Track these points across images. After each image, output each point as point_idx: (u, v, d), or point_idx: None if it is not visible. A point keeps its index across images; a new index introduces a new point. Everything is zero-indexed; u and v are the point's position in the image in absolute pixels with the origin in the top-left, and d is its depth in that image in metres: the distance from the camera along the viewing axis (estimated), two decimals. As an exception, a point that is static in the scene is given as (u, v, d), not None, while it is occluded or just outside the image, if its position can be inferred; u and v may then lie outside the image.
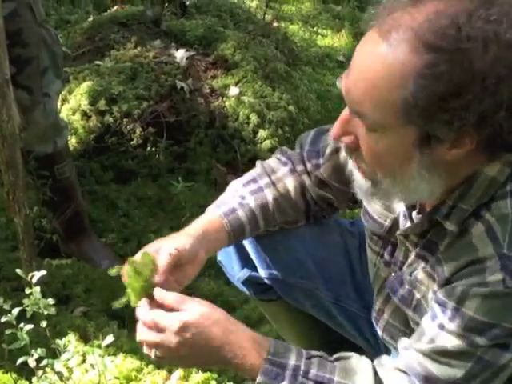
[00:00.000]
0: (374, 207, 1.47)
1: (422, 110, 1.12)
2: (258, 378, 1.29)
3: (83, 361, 1.95)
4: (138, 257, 1.41)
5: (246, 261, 1.67)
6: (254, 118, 3.10)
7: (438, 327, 1.25)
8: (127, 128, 3.07)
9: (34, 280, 1.66)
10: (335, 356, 1.35)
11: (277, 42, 3.65)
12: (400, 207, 1.41)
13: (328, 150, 1.54)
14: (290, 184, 1.56)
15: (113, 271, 1.42)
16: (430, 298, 1.32)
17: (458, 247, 1.24)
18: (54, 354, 1.71)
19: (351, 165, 1.29)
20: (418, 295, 1.36)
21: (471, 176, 1.23)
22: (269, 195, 1.54)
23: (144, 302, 1.34)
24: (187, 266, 1.41)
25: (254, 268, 1.68)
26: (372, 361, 1.36)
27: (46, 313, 1.60)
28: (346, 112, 1.22)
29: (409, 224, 1.36)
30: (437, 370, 1.26)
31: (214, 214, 1.49)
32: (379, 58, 1.13)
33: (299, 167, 1.57)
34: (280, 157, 1.60)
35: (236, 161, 3.07)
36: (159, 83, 3.14)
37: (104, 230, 2.68)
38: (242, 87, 3.19)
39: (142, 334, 1.33)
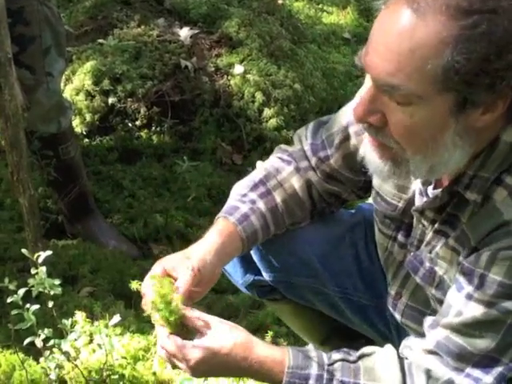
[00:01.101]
0: (386, 189, 1.45)
1: (464, 75, 1.10)
2: None
3: (90, 341, 1.94)
4: (155, 271, 1.39)
5: (248, 265, 1.65)
6: (259, 96, 3.07)
7: (466, 297, 1.24)
8: (131, 108, 3.05)
9: (40, 260, 1.65)
10: (358, 354, 1.34)
11: (281, 19, 3.60)
12: (414, 185, 1.38)
13: (337, 140, 1.51)
14: (297, 183, 1.55)
15: (134, 285, 1.42)
16: (454, 272, 1.30)
17: (482, 214, 1.23)
18: (60, 334, 1.71)
19: (367, 148, 1.26)
20: (440, 272, 1.35)
21: (490, 144, 1.21)
22: (277, 197, 1.53)
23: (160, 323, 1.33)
24: (204, 282, 1.40)
25: (257, 271, 1.67)
26: (397, 347, 1.35)
27: (52, 293, 1.59)
28: (370, 90, 1.19)
29: (425, 201, 1.34)
30: (469, 343, 1.24)
31: (228, 223, 1.47)
32: (410, 29, 1.11)
33: (303, 164, 1.56)
34: (282, 155, 1.58)
35: (241, 140, 3.05)
36: (163, 62, 3.11)
37: (110, 211, 2.67)
38: (247, 65, 3.16)
39: (162, 353, 1.35)
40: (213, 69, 3.17)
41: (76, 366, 1.79)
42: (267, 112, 3.07)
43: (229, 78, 3.14)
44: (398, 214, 1.44)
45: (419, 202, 1.38)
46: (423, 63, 1.11)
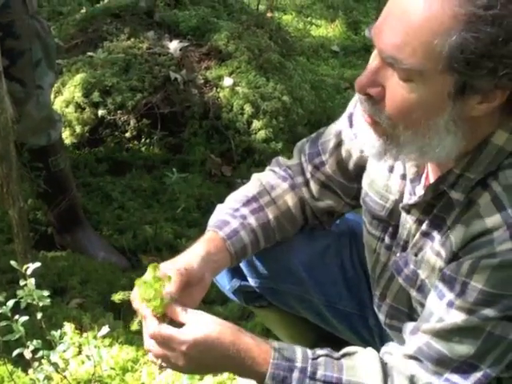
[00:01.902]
0: (374, 190, 1.47)
1: (468, 56, 1.10)
2: (266, 383, 1.30)
3: (79, 352, 1.95)
4: (145, 276, 1.39)
5: (235, 271, 1.66)
6: (248, 108, 3.10)
7: (447, 305, 1.25)
8: (121, 120, 3.07)
9: (29, 272, 1.66)
10: (341, 352, 1.35)
11: (271, 32, 3.64)
12: (403, 186, 1.40)
13: (330, 145, 1.53)
14: (290, 201, 1.57)
15: (117, 297, 1.41)
16: (435, 277, 1.31)
17: (466, 219, 1.24)
18: (49, 345, 1.72)
19: (362, 127, 1.25)
20: (422, 275, 1.36)
21: (479, 145, 1.22)
22: (270, 214, 1.54)
23: (150, 314, 1.33)
24: (194, 288, 1.41)
25: (244, 277, 1.68)
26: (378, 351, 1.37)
27: (40, 304, 1.60)
28: (374, 62, 1.19)
29: (413, 199, 1.36)
30: (448, 349, 1.26)
31: (217, 237, 1.48)
32: (424, 3, 1.10)
33: (299, 179, 1.57)
34: (278, 171, 1.60)
35: (230, 151, 3.08)
36: (153, 74, 3.14)
37: (99, 222, 2.68)
38: (236, 78, 3.18)
39: (151, 345, 1.34)
40: (202, 81, 3.20)
41: (65, 377, 1.80)
42: (256, 124, 3.10)
43: (218, 90, 3.16)
44: (385, 215, 1.46)
45: (407, 200, 1.39)
46: (431, 38, 1.10)
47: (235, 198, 1.58)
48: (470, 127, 1.20)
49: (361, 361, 1.33)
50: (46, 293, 1.50)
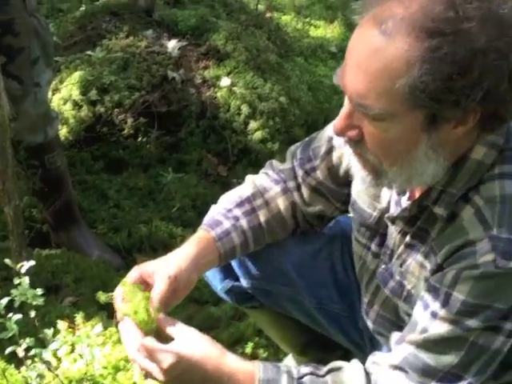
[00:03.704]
0: (363, 198, 1.49)
1: (430, 93, 1.14)
2: None
3: (72, 350, 1.96)
4: (128, 279, 1.41)
5: (228, 271, 1.68)
6: (245, 108, 3.10)
7: (431, 316, 1.27)
8: (118, 118, 3.08)
9: (23, 270, 1.67)
10: (326, 368, 1.36)
11: (269, 32, 3.64)
12: (389, 196, 1.42)
13: (322, 151, 1.55)
14: (282, 204, 1.59)
15: (101, 297, 1.42)
16: (421, 288, 1.33)
17: (450, 232, 1.26)
18: (42, 343, 1.73)
19: (352, 160, 1.30)
20: (408, 286, 1.38)
21: (459, 161, 1.25)
22: (261, 217, 1.57)
23: (134, 327, 1.34)
24: (180, 288, 1.43)
25: (236, 278, 1.70)
26: (364, 361, 1.37)
27: (34, 303, 1.61)
28: (347, 106, 1.23)
29: (397, 211, 1.38)
30: (433, 359, 1.27)
31: (208, 236, 1.51)
32: (379, 50, 1.15)
33: (291, 184, 1.59)
34: (272, 174, 1.62)
35: (227, 151, 3.08)
36: (151, 73, 3.14)
37: (94, 220, 2.68)
38: (234, 78, 3.19)
39: (135, 356, 1.35)
40: (200, 81, 3.20)
41: (57, 375, 1.80)
42: (253, 124, 3.10)
43: (215, 90, 3.17)
44: (372, 223, 1.48)
45: (393, 211, 1.41)
46: (392, 83, 1.15)
47: (229, 199, 1.60)
48: (451, 149, 1.23)
49: (346, 376, 1.34)
50: (39, 292, 1.50)
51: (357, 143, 1.25)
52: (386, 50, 1.14)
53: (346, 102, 1.24)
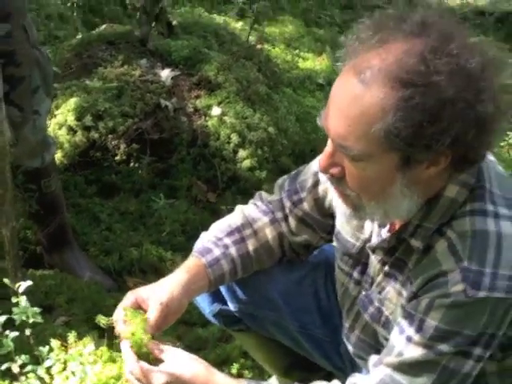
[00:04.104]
0: (346, 229, 1.59)
1: (403, 138, 1.25)
2: None
3: (64, 368, 2.03)
4: (125, 303, 1.52)
5: (216, 295, 1.77)
6: (234, 137, 3.21)
7: (406, 340, 1.36)
8: (112, 144, 3.17)
9: (21, 290, 1.75)
10: None
11: (259, 63, 3.76)
12: (371, 227, 1.52)
13: (309, 184, 1.65)
14: (270, 234, 1.68)
15: (102, 321, 1.52)
16: (398, 314, 1.43)
17: (425, 263, 1.37)
18: (36, 360, 1.80)
19: (334, 194, 1.41)
20: (386, 312, 1.48)
21: (433, 198, 1.35)
22: (250, 246, 1.66)
23: (129, 351, 1.44)
24: (171, 313, 1.53)
25: (224, 302, 1.79)
26: (344, 382, 1.46)
27: (31, 321, 1.69)
28: (329, 146, 1.34)
29: (376, 241, 1.48)
30: (407, 381, 1.37)
31: (199, 263, 1.61)
32: (357, 97, 1.25)
33: (279, 214, 1.69)
34: (261, 205, 1.71)
35: (216, 179, 3.18)
36: (144, 101, 3.24)
37: (87, 243, 2.76)
38: (224, 108, 3.30)
39: (130, 378, 1.46)
40: (191, 109, 3.31)
41: (49, 391, 1.87)
42: (242, 153, 3.21)
43: (206, 119, 3.27)
44: (355, 252, 1.57)
45: (374, 241, 1.51)
46: (369, 127, 1.25)
47: (219, 227, 1.69)
48: (424, 187, 1.34)
49: None
50: (37, 310, 1.59)
51: (338, 180, 1.35)
52: (363, 98, 1.25)
53: (329, 142, 1.34)
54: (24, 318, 1.57)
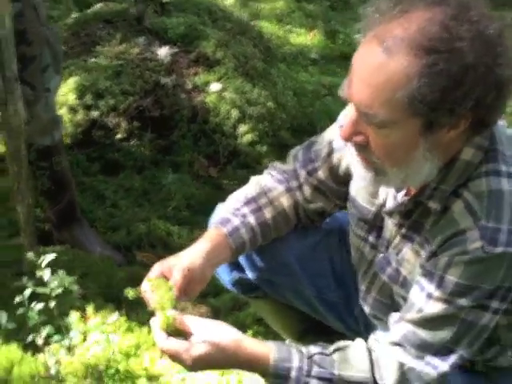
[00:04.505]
0: (361, 195, 1.64)
1: (427, 103, 1.30)
2: (269, 380, 1.49)
3: (84, 339, 2.09)
4: (152, 275, 1.56)
5: (234, 264, 1.82)
6: (234, 113, 3.26)
7: (426, 296, 1.43)
8: (113, 122, 3.21)
9: (44, 263, 1.81)
10: (333, 347, 1.51)
11: (253, 40, 3.80)
12: (386, 193, 1.58)
13: (323, 153, 1.70)
14: (286, 202, 1.73)
15: (130, 293, 1.56)
16: (416, 273, 1.49)
17: (442, 223, 1.43)
18: (58, 332, 1.87)
19: (354, 160, 1.45)
20: (404, 272, 1.54)
21: (450, 161, 1.41)
22: (267, 214, 1.70)
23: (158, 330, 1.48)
24: (196, 282, 1.57)
25: (243, 270, 1.84)
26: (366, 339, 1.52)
27: (53, 294, 1.76)
28: (353, 114, 1.39)
29: (394, 205, 1.54)
30: (428, 335, 1.43)
31: (220, 233, 1.65)
32: (381, 65, 1.30)
33: (294, 183, 1.74)
34: (275, 174, 1.76)
35: (217, 154, 3.23)
36: (144, 79, 3.28)
37: (93, 220, 2.80)
38: (223, 83, 3.34)
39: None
40: (190, 86, 3.35)
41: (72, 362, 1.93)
42: (242, 128, 3.26)
43: (206, 95, 3.32)
44: (370, 218, 1.63)
45: (390, 205, 1.57)
46: (393, 94, 1.31)
47: (237, 198, 1.74)
48: (443, 150, 1.40)
49: (351, 354, 1.49)
50: (73, 279, 1.64)
51: (362, 147, 1.41)
52: (387, 66, 1.30)
53: (352, 111, 1.39)
54: (61, 287, 1.62)
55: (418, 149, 1.36)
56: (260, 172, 1.78)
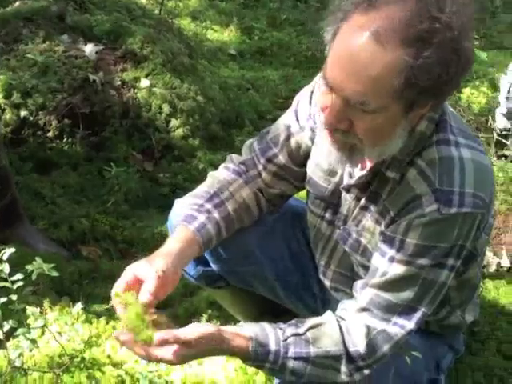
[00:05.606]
0: (318, 174, 1.74)
1: (417, 89, 1.37)
2: (249, 364, 1.58)
3: (42, 333, 2.09)
4: (119, 285, 1.55)
5: (199, 258, 1.85)
6: (166, 108, 3.31)
7: (388, 260, 1.55)
8: (43, 120, 3.18)
9: (5, 257, 1.81)
10: (306, 326, 1.59)
11: (174, 36, 3.85)
12: (341, 170, 1.68)
13: (281, 139, 1.77)
14: (246, 194, 1.79)
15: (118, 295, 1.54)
16: (376, 241, 1.61)
17: (399, 191, 1.54)
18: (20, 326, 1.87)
19: (326, 141, 1.51)
20: (364, 241, 1.66)
21: (408, 133, 1.51)
22: (230, 207, 1.76)
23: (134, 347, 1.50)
24: (168, 283, 1.58)
25: (207, 263, 1.90)
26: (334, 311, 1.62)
27: (15, 287, 1.76)
28: (337, 102, 1.42)
29: (353, 180, 1.65)
30: (393, 297, 1.55)
31: (188, 231, 1.68)
32: (376, 56, 1.35)
33: (252, 172, 1.80)
34: (233, 166, 1.82)
35: (151, 148, 3.27)
36: (71, 76, 3.27)
37: (33, 218, 2.78)
38: (153, 79, 3.38)
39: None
40: (119, 83, 3.36)
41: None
42: (174, 122, 3.31)
43: (135, 91, 3.34)
44: (327, 195, 1.73)
45: (347, 181, 1.67)
46: (385, 83, 1.37)
47: (197, 194, 1.78)
48: (412, 125, 1.50)
49: (322, 329, 1.58)
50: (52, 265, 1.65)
51: (344, 132, 1.46)
52: (379, 57, 1.34)
53: (335, 101, 1.42)
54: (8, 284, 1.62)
55: (397, 128, 1.45)
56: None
